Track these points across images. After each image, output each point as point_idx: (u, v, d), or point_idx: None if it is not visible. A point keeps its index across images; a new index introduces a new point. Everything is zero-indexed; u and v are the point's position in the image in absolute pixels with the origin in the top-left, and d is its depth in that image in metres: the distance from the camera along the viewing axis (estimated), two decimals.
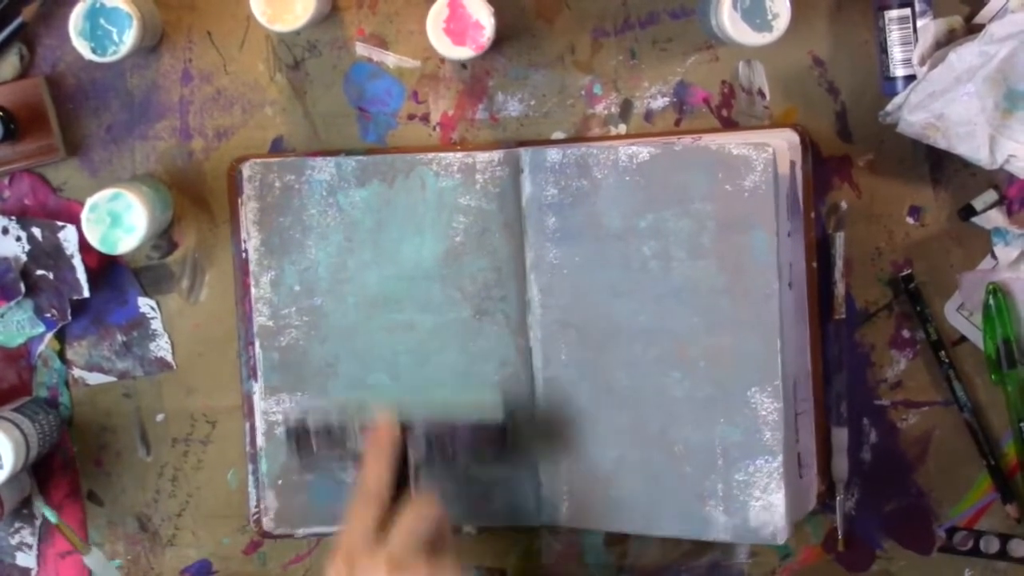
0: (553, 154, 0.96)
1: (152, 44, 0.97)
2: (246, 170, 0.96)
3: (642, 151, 0.94)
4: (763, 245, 0.92)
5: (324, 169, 0.96)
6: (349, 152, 0.98)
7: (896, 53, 0.96)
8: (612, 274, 0.95)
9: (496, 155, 0.96)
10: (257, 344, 0.98)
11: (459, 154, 0.96)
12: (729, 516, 0.95)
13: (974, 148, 0.92)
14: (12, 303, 0.97)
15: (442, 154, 0.96)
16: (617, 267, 0.95)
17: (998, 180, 0.98)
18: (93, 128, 0.99)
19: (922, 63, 0.94)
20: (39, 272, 0.97)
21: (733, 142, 0.93)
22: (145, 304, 1.00)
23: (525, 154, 0.96)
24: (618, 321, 0.96)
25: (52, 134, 0.97)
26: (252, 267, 0.97)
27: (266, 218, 0.97)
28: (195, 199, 0.99)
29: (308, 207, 0.97)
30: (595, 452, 0.97)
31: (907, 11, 0.95)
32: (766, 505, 0.94)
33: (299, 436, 0.93)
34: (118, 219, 0.90)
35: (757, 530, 0.95)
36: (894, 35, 0.96)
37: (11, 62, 0.97)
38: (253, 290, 0.97)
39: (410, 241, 0.97)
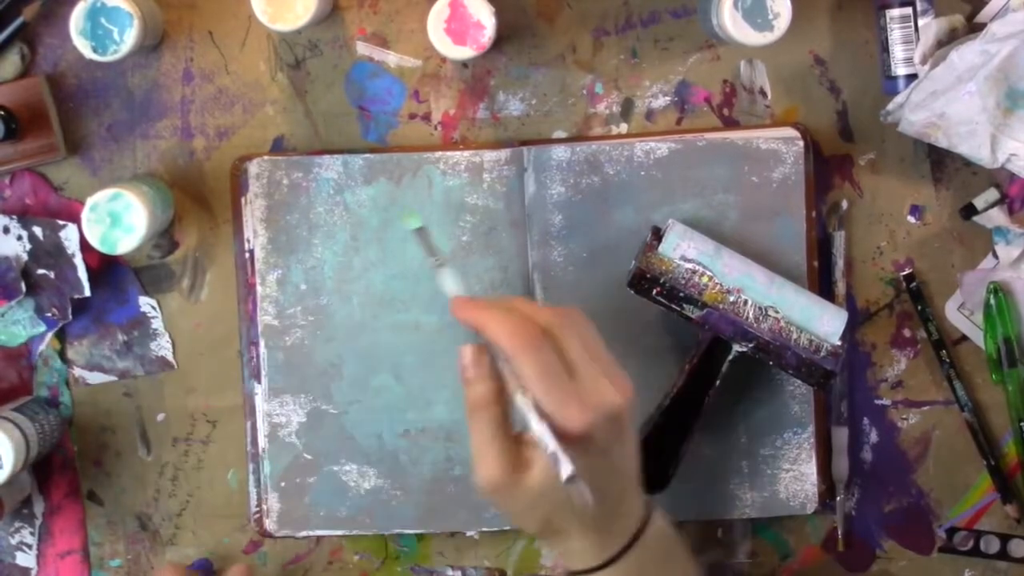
0: (560, 152, 0.96)
1: (153, 43, 0.97)
2: (253, 168, 0.96)
3: (660, 147, 0.96)
4: (789, 230, 0.97)
5: (331, 167, 0.96)
6: (351, 151, 0.98)
7: (897, 52, 0.96)
8: (623, 266, 0.95)
9: (503, 154, 0.96)
10: (262, 344, 0.97)
11: (466, 153, 0.96)
12: (756, 491, 0.99)
13: (975, 147, 0.92)
14: (13, 302, 0.97)
15: (449, 153, 0.97)
16: (629, 259, 0.95)
17: (999, 179, 0.99)
18: (94, 127, 0.99)
19: (923, 62, 0.94)
20: (40, 271, 0.97)
21: (761, 136, 0.97)
22: (146, 303, 1.00)
23: (528, 153, 0.97)
24: (629, 312, 0.96)
25: (53, 133, 0.97)
26: (259, 265, 0.97)
27: (273, 216, 0.97)
28: (196, 198, 0.99)
29: (315, 205, 0.97)
30: None
31: (908, 10, 0.95)
32: (797, 475, 0.98)
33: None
34: (118, 219, 0.90)
35: (787, 501, 0.99)
36: (895, 34, 0.96)
37: (12, 61, 0.97)
38: (259, 288, 0.97)
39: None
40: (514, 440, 0.79)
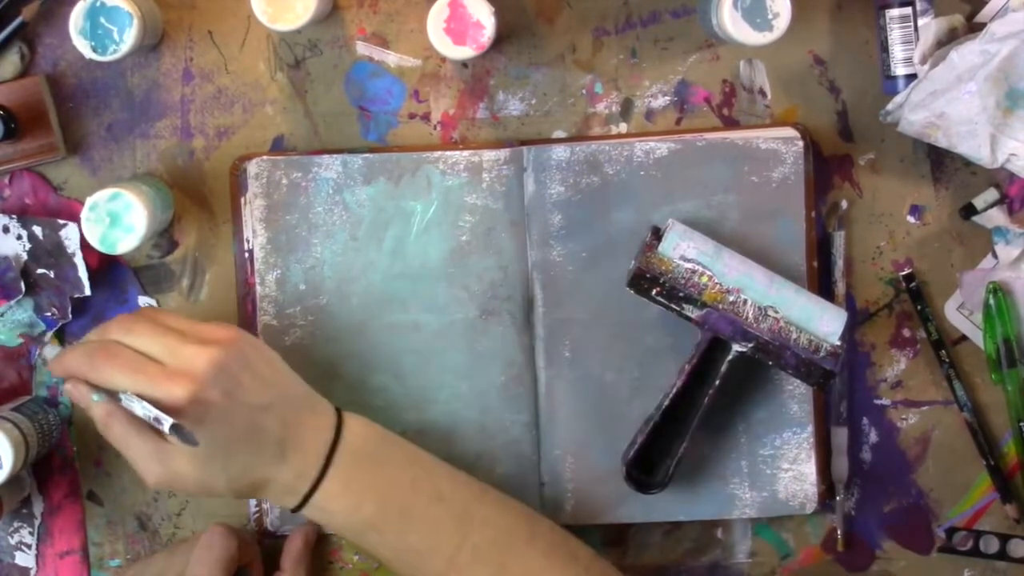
0: (560, 152, 0.96)
1: (153, 43, 0.97)
2: (252, 168, 0.96)
3: (660, 147, 0.96)
4: (790, 230, 0.97)
5: (331, 167, 0.96)
6: (351, 151, 0.98)
7: (897, 52, 0.96)
8: (622, 266, 0.95)
9: (502, 153, 0.96)
10: None
11: (465, 153, 0.96)
12: (756, 491, 0.98)
13: (975, 147, 0.92)
14: (13, 302, 0.97)
15: (448, 152, 0.97)
16: (628, 259, 0.95)
17: (999, 179, 0.99)
18: (93, 127, 0.99)
19: (923, 62, 0.94)
20: (40, 271, 0.97)
21: (761, 136, 0.97)
22: (145, 303, 1.00)
23: (528, 153, 0.96)
24: (629, 312, 0.96)
25: (52, 133, 0.97)
26: (258, 265, 0.97)
27: (273, 216, 0.97)
28: (196, 198, 0.99)
29: (314, 205, 0.97)
30: (602, 447, 0.97)
31: (908, 10, 0.95)
32: (797, 475, 0.98)
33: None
34: (117, 219, 0.90)
35: (786, 501, 0.99)
36: (895, 34, 0.96)
37: (11, 61, 0.97)
38: (258, 288, 0.97)
39: (416, 240, 0.97)
40: (155, 433, 0.84)
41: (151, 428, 0.83)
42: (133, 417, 0.84)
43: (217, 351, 0.84)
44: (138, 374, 0.82)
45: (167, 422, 0.80)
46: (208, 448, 0.83)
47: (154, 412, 0.81)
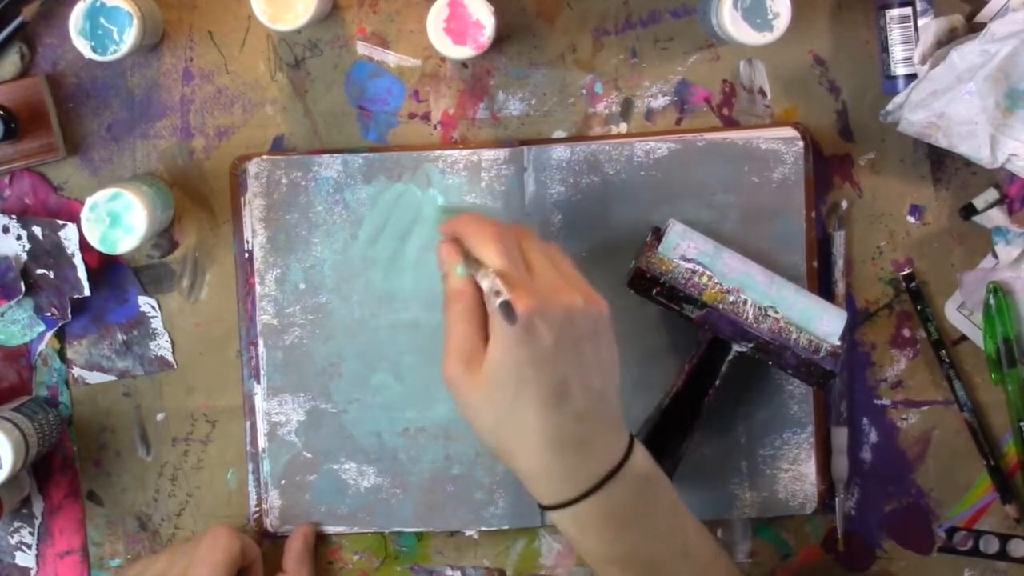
0: (560, 152, 0.96)
1: (153, 43, 0.97)
2: (253, 167, 0.96)
3: (660, 146, 0.96)
4: (790, 230, 0.97)
5: (331, 166, 0.96)
6: (351, 151, 0.98)
7: (897, 52, 0.96)
8: (623, 266, 0.95)
9: (501, 153, 0.96)
10: (261, 343, 0.97)
11: (464, 152, 0.97)
12: (756, 491, 0.99)
13: (975, 147, 0.92)
14: (12, 302, 0.97)
15: (448, 152, 0.97)
16: (629, 259, 0.95)
17: (999, 179, 0.99)
18: (94, 127, 0.99)
19: (923, 62, 0.94)
20: (39, 271, 0.97)
21: (761, 136, 0.97)
22: (145, 303, 1.00)
23: (528, 152, 0.97)
24: (630, 311, 0.96)
25: (52, 133, 0.97)
26: (258, 264, 0.97)
27: (272, 215, 0.97)
28: (196, 198, 0.99)
29: (315, 204, 0.97)
30: None
31: (908, 10, 0.95)
32: (797, 475, 0.99)
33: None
34: (118, 219, 0.90)
35: (786, 501, 0.99)
36: (895, 34, 0.96)
37: (11, 61, 0.97)
38: (258, 288, 0.97)
39: (416, 239, 0.97)
40: (482, 337, 0.80)
41: (482, 332, 0.80)
42: (477, 309, 0.80)
43: (582, 304, 0.79)
44: (512, 266, 0.79)
45: (503, 296, 0.76)
46: (504, 380, 0.78)
47: (499, 286, 0.77)
